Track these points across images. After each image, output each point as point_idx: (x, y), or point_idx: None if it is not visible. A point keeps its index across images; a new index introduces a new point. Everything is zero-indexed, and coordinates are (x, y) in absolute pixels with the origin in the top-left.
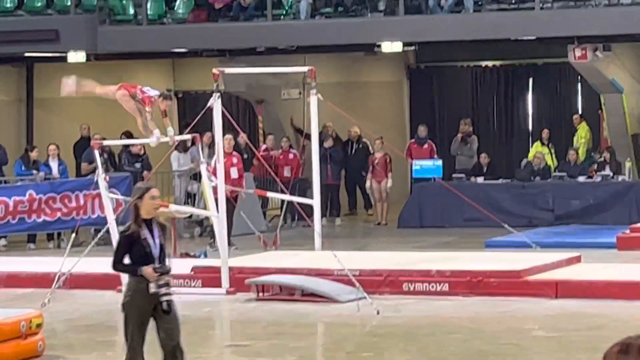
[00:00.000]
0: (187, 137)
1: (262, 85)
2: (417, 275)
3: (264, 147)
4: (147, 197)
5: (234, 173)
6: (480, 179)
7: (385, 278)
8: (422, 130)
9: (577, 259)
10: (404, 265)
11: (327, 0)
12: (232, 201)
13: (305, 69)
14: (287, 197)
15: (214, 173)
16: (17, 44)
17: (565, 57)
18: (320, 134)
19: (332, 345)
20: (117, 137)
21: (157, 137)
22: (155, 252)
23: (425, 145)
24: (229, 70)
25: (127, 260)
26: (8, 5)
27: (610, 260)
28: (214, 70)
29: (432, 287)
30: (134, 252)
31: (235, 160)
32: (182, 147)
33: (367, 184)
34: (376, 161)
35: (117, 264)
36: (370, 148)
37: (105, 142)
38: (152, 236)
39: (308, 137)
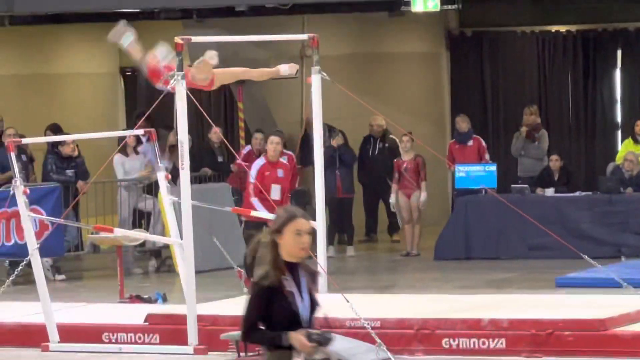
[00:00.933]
0: (138, 132)
1: (243, 59)
2: (461, 327)
3: (247, 148)
4: (290, 230)
5: (276, 193)
6: (550, 191)
7: (418, 331)
8: (463, 123)
9: None
10: (444, 314)
11: None
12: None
13: (304, 36)
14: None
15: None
16: None
17: None
18: (327, 128)
19: None
20: (41, 132)
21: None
22: (305, 312)
23: (470, 143)
24: (197, 38)
25: (262, 324)
26: None
27: None
28: (177, 39)
29: (484, 343)
30: (275, 312)
31: (281, 173)
32: (131, 147)
33: (392, 198)
34: (404, 166)
35: (252, 331)
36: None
37: (25, 141)
38: (299, 289)
39: (308, 131)
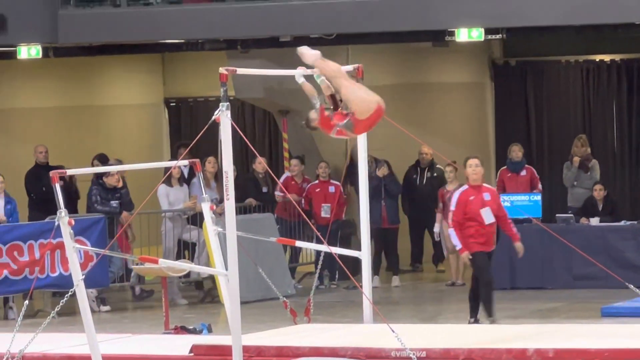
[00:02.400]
0: (182, 163)
1: (287, 89)
2: (507, 357)
3: (284, 176)
4: None
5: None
6: (595, 220)
7: None
8: (517, 152)
9: None
10: (489, 344)
11: None
12: None
13: (349, 67)
14: (324, 247)
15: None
16: None
17: None
18: (372, 159)
19: None
20: (87, 163)
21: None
22: None
23: (524, 172)
24: (242, 70)
25: None
26: None
27: None
28: (222, 70)
29: None
30: None
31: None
32: (175, 178)
33: (436, 227)
34: (449, 196)
35: None
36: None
37: (70, 172)
38: None
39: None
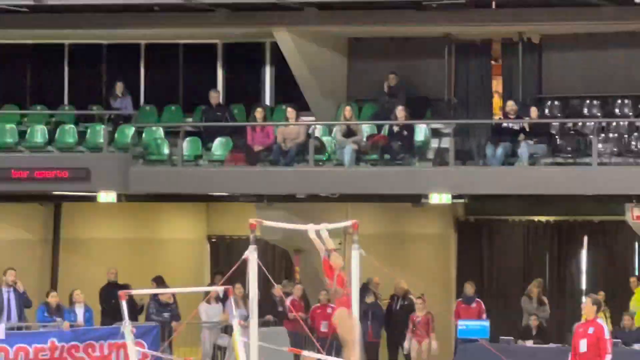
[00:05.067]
0: (219, 289)
1: (300, 234)
2: None
3: (290, 298)
4: None
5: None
6: (529, 342)
7: None
8: (470, 289)
9: None
10: None
11: (373, 145)
12: None
13: (348, 222)
14: (323, 356)
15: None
16: (45, 182)
17: (622, 215)
18: (362, 287)
19: None
20: (147, 282)
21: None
22: None
23: (474, 305)
24: (267, 222)
25: None
26: (39, 140)
27: None
28: (251, 221)
29: None
30: None
31: (591, 330)
32: (212, 298)
33: (406, 344)
34: (417, 320)
35: None
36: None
37: (134, 292)
38: None
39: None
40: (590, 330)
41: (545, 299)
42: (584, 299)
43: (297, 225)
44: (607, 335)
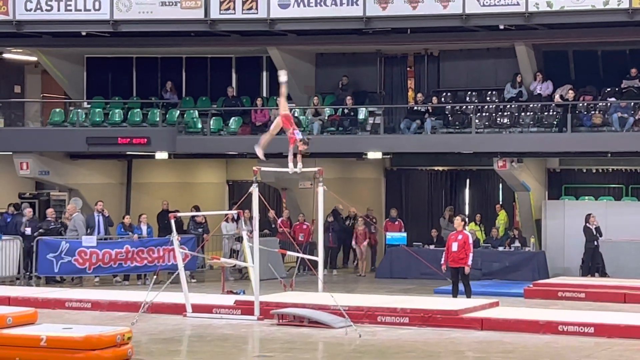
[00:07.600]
0: (234, 212)
1: (286, 178)
2: (387, 311)
3: (280, 219)
4: None
5: (454, 247)
6: (432, 247)
7: (366, 312)
8: (394, 212)
9: (497, 304)
10: (379, 304)
11: (332, 121)
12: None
13: (316, 169)
14: (300, 255)
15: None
16: (121, 146)
17: (491, 166)
18: (332, 211)
19: (328, 358)
20: (188, 209)
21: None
22: None
23: (397, 223)
24: (264, 168)
25: None
26: (117, 119)
27: (519, 305)
28: (254, 168)
29: (397, 319)
30: None
31: (460, 237)
32: (229, 217)
33: (354, 245)
34: (359, 231)
35: None
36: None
37: (179, 214)
38: None
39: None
40: (460, 237)
41: (453, 219)
42: (458, 218)
43: (283, 169)
44: (470, 241)
